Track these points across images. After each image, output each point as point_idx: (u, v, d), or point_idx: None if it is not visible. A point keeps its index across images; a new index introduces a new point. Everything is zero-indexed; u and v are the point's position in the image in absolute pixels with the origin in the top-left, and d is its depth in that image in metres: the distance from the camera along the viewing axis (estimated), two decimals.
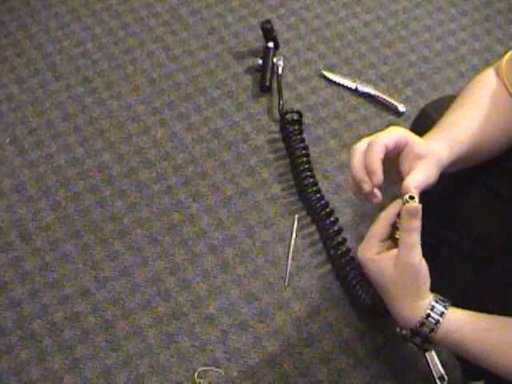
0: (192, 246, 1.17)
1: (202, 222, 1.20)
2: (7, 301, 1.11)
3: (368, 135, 1.39)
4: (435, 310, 0.77)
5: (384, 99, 1.36)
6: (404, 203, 0.78)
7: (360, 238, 1.19)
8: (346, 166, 1.28)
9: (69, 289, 1.12)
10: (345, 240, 1.16)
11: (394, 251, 0.77)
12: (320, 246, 1.18)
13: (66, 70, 1.42)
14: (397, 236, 0.79)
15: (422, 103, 1.22)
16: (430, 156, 0.82)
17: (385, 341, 1.07)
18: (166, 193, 1.24)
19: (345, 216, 1.21)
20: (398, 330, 0.80)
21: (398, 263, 0.76)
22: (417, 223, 0.77)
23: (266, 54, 1.40)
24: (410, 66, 1.43)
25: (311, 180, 1.21)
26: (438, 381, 1.02)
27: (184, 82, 1.41)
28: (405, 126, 1.24)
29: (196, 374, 1.03)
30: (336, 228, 1.17)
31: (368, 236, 0.80)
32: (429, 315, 0.76)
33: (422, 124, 1.15)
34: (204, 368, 1.04)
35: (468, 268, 0.99)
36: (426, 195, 1.08)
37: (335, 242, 1.15)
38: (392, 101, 1.36)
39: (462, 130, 0.88)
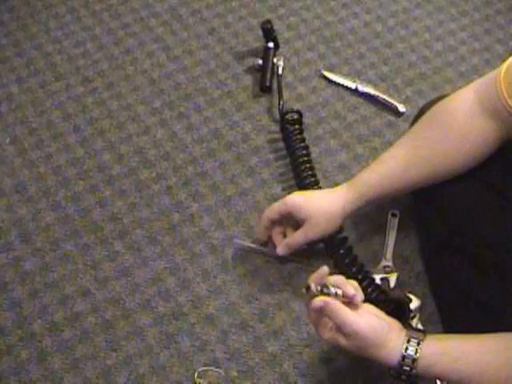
0: (192, 246, 1.17)
1: (202, 222, 1.20)
2: (7, 301, 1.11)
3: (368, 135, 1.40)
4: (409, 350, 0.81)
5: (384, 99, 1.36)
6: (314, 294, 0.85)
7: (360, 238, 1.19)
8: (345, 166, 1.28)
9: (69, 289, 1.12)
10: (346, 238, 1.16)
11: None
12: (319, 244, 1.18)
13: (66, 70, 1.42)
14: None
15: (421, 103, 1.22)
16: (313, 218, 1.01)
17: None
18: (165, 193, 1.24)
19: None
20: (387, 370, 0.85)
21: (348, 334, 0.82)
22: (333, 307, 0.83)
23: (266, 54, 1.39)
24: (409, 66, 1.43)
25: (312, 180, 1.20)
26: (437, 381, 1.02)
27: (184, 81, 1.41)
28: (405, 126, 1.25)
29: (196, 374, 1.03)
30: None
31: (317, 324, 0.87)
32: (404, 357, 0.81)
33: None
34: (204, 368, 1.04)
35: (471, 270, 0.99)
36: (428, 196, 1.08)
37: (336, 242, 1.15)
38: (392, 101, 1.36)
39: (382, 173, 1.01)
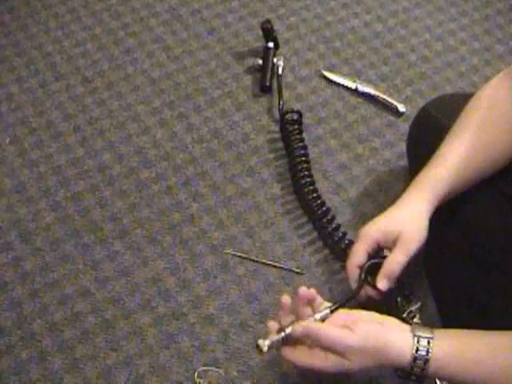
0: (192, 246, 1.17)
1: (202, 222, 1.20)
2: (7, 301, 1.11)
3: (368, 135, 1.40)
4: (420, 351, 0.77)
5: (384, 99, 1.36)
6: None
7: None
8: (346, 166, 1.28)
9: (69, 289, 1.12)
10: (345, 234, 1.16)
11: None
12: (319, 245, 1.18)
13: (66, 70, 1.42)
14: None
15: (421, 103, 1.22)
16: (403, 232, 0.88)
17: None
18: (166, 193, 1.24)
19: (344, 216, 1.22)
20: (396, 371, 0.80)
21: (344, 353, 0.76)
22: (315, 329, 0.77)
23: (266, 54, 1.39)
24: (410, 66, 1.43)
25: (308, 180, 1.21)
26: (437, 381, 1.02)
27: (184, 81, 1.41)
28: (405, 126, 1.25)
29: (196, 374, 1.03)
30: (333, 226, 1.17)
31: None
32: (416, 358, 0.76)
33: (422, 123, 1.16)
34: (204, 368, 1.04)
35: (471, 270, 0.99)
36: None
37: (334, 239, 1.15)
38: (392, 101, 1.36)
39: (449, 166, 0.92)
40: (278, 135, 1.32)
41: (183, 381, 1.03)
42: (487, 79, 1.40)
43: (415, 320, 1.07)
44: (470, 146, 0.93)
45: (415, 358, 0.76)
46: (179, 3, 1.55)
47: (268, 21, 1.40)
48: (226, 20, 1.52)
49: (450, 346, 0.78)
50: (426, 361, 0.76)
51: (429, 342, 0.77)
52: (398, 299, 1.08)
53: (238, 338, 1.07)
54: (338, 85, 1.40)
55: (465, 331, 0.81)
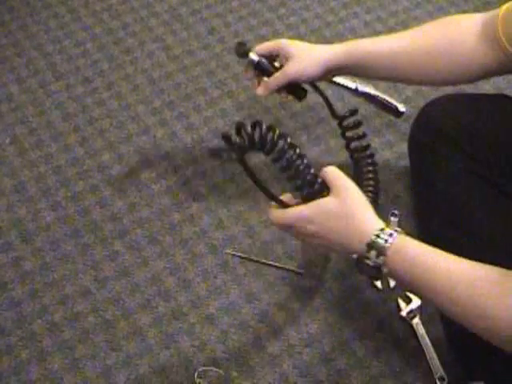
0: (192, 246, 1.17)
1: (201, 222, 1.20)
2: (7, 301, 1.11)
3: (368, 135, 1.39)
4: (382, 235, 0.77)
5: (384, 99, 1.36)
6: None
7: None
8: (346, 166, 1.28)
9: (69, 289, 1.12)
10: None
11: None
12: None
13: (66, 70, 1.42)
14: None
15: (422, 103, 1.21)
16: (296, 56, 1.05)
17: (385, 341, 1.07)
18: (165, 193, 1.24)
19: None
20: (356, 262, 0.80)
21: (336, 195, 0.80)
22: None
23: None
24: None
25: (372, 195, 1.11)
26: (437, 381, 1.02)
27: (184, 81, 1.41)
28: (405, 126, 1.25)
29: (196, 374, 1.03)
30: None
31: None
32: (378, 236, 0.77)
33: (423, 123, 1.16)
34: (204, 368, 1.04)
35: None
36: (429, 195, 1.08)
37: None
38: (392, 101, 1.36)
39: (381, 44, 1.03)
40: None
41: (183, 381, 1.03)
42: (486, 79, 1.41)
43: (415, 320, 1.07)
44: (405, 42, 1.02)
45: (372, 245, 0.77)
46: (179, 3, 1.55)
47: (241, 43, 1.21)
48: (226, 20, 1.52)
49: (412, 249, 0.79)
50: (381, 253, 0.76)
51: (391, 235, 0.78)
52: (399, 299, 1.08)
53: (238, 337, 1.07)
54: (338, 85, 1.40)
55: (440, 251, 0.79)
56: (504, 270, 0.75)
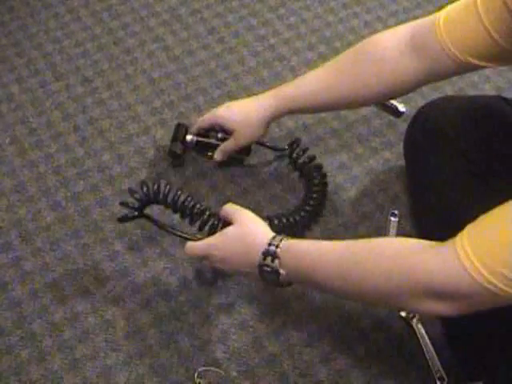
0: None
1: None
2: (7, 301, 1.11)
3: (368, 135, 1.40)
4: (273, 242, 0.88)
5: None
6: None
7: (359, 239, 1.19)
8: (345, 166, 1.28)
9: (69, 289, 1.12)
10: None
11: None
12: None
13: (66, 70, 1.42)
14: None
15: (421, 103, 1.22)
16: (239, 128, 1.14)
17: (385, 341, 1.07)
18: None
19: (345, 216, 1.22)
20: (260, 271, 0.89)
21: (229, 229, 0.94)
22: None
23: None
24: None
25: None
26: (437, 381, 1.02)
27: (184, 81, 1.41)
28: (405, 126, 1.25)
29: (196, 374, 1.03)
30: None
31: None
32: (270, 243, 0.87)
33: (418, 125, 1.16)
34: (204, 368, 1.04)
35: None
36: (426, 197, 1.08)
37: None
38: (392, 101, 1.36)
39: (306, 88, 1.07)
40: (277, 135, 1.32)
41: (183, 381, 1.03)
42: (487, 78, 1.41)
43: (415, 320, 1.08)
44: (330, 79, 1.05)
45: (269, 244, 0.87)
46: (179, 3, 1.55)
47: (181, 124, 1.27)
48: (226, 20, 1.52)
49: (298, 245, 0.87)
50: (275, 256, 0.86)
51: (281, 240, 0.87)
52: None
53: (238, 337, 1.07)
54: None
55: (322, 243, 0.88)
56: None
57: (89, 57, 1.45)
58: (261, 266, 0.88)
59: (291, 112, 1.12)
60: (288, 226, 1.14)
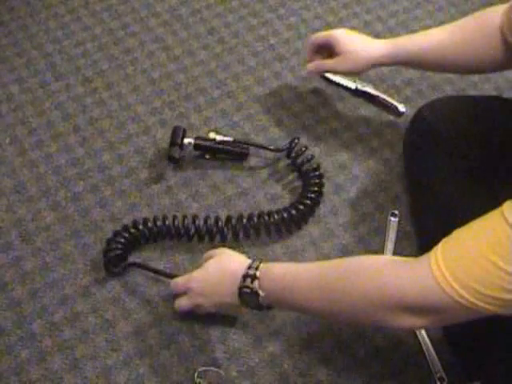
0: (192, 245, 1.17)
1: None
2: (7, 301, 1.11)
3: (368, 135, 1.40)
4: (253, 265, 0.91)
5: (384, 99, 1.36)
6: None
7: (359, 239, 1.19)
8: (345, 166, 1.28)
9: (69, 289, 1.12)
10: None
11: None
12: (318, 245, 1.18)
13: (66, 70, 1.42)
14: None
15: (422, 103, 1.22)
16: (347, 53, 1.15)
17: (385, 341, 1.07)
18: (166, 193, 1.24)
19: (345, 216, 1.22)
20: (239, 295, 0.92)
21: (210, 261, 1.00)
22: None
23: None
24: None
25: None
26: (437, 381, 1.02)
27: (184, 81, 1.41)
28: (405, 126, 1.25)
29: (196, 374, 1.03)
30: None
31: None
32: (249, 266, 0.91)
33: (417, 126, 1.16)
34: (204, 368, 1.04)
35: None
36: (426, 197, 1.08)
37: None
38: (392, 101, 1.36)
39: (423, 40, 1.11)
40: (277, 135, 1.32)
41: (183, 381, 1.03)
42: (487, 79, 1.41)
43: None
44: (445, 39, 1.09)
45: (249, 266, 0.91)
46: (179, 3, 1.55)
47: (178, 127, 1.27)
48: (226, 20, 1.52)
49: (275, 268, 0.90)
50: (254, 278, 0.89)
51: (260, 262, 0.91)
52: None
53: (238, 337, 1.07)
54: (338, 85, 1.40)
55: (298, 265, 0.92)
56: None
57: (89, 57, 1.45)
58: (240, 288, 0.90)
59: (402, 63, 1.16)
60: (275, 222, 1.15)
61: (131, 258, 1.14)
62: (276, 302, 0.91)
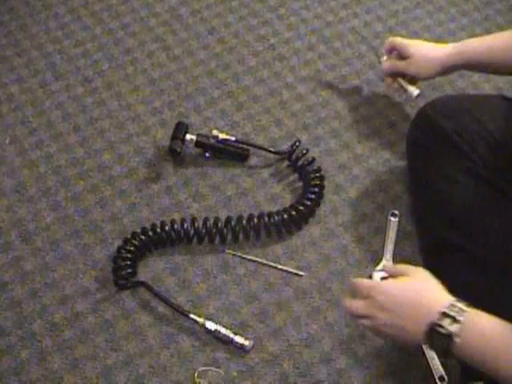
0: (192, 246, 1.17)
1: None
2: (7, 301, 1.11)
3: (368, 135, 1.40)
4: (457, 305, 0.78)
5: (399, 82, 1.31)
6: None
7: (359, 239, 1.19)
8: (346, 166, 1.28)
9: (69, 289, 1.12)
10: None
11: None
12: (318, 245, 1.18)
13: (66, 70, 1.42)
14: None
15: (422, 103, 1.22)
16: (414, 57, 1.20)
17: (385, 341, 1.07)
18: (165, 193, 1.24)
19: (345, 216, 1.22)
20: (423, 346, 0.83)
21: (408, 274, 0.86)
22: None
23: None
24: None
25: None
26: (438, 381, 1.01)
27: (184, 81, 1.41)
28: (405, 126, 1.25)
29: (196, 374, 1.03)
30: None
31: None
32: (454, 305, 0.77)
33: (420, 124, 1.16)
34: (204, 368, 1.04)
35: (471, 269, 0.99)
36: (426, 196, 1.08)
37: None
38: (406, 85, 1.32)
39: (479, 43, 1.16)
40: (277, 135, 1.32)
41: (183, 381, 1.03)
42: (487, 79, 1.41)
43: None
44: (497, 40, 1.14)
45: (452, 306, 0.77)
46: (179, 3, 1.55)
47: (181, 123, 1.28)
48: (226, 20, 1.52)
49: (484, 322, 0.77)
50: (455, 321, 0.76)
51: (468, 306, 0.77)
52: None
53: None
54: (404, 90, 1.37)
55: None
56: None
57: (89, 57, 1.45)
58: (433, 325, 0.77)
59: (468, 64, 1.18)
60: (275, 224, 1.15)
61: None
62: (467, 356, 0.78)
